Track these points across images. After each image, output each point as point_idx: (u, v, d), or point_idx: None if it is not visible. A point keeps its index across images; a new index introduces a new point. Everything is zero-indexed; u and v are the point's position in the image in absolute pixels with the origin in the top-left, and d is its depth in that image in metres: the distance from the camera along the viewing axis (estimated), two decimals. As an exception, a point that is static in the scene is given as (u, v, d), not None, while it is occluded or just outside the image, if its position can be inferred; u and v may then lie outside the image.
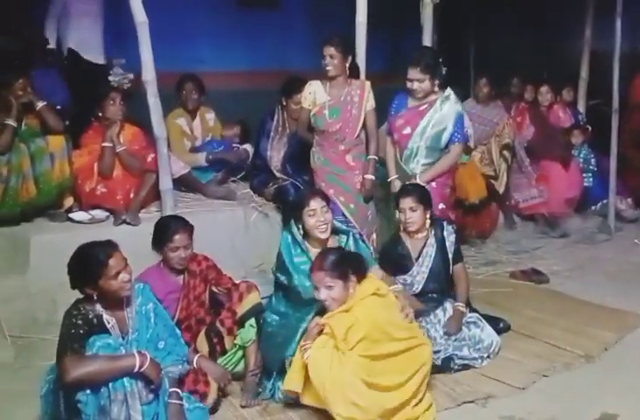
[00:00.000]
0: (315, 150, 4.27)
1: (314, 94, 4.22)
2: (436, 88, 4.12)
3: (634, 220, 6.16)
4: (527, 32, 7.60)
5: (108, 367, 2.44)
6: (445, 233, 3.71)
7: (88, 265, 2.57)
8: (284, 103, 4.88)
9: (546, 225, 5.91)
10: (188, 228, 3.29)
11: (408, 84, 4.09)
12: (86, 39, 5.22)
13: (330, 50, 4.08)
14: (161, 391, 2.59)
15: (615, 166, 5.84)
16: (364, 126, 4.21)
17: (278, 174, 4.82)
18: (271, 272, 3.58)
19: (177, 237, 3.21)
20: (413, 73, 4.04)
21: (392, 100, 4.30)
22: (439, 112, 4.10)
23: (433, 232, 3.71)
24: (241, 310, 3.20)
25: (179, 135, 4.89)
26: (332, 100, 4.18)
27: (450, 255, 3.70)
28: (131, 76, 5.24)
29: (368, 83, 4.24)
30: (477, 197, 5.45)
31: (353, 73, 4.25)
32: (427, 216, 3.68)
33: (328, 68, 4.11)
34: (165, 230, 3.25)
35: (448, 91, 4.13)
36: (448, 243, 3.70)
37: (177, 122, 4.93)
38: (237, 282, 3.39)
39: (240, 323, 3.20)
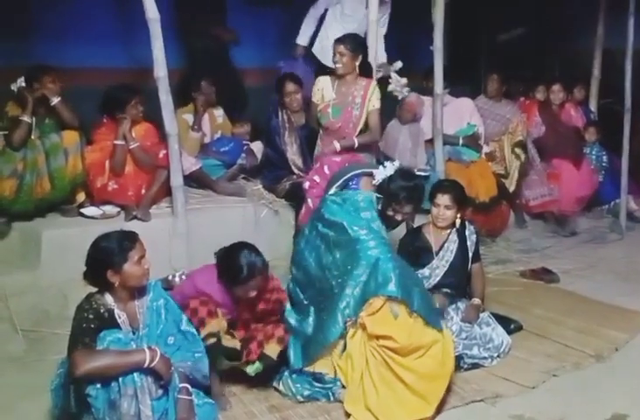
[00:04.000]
0: (318, 142, 4.36)
1: (322, 91, 4.27)
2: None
3: (646, 220, 6.14)
4: (540, 31, 7.57)
5: (119, 362, 2.45)
6: (467, 231, 3.76)
7: (115, 248, 2.59)
8: (281, 101, 4.90)
9: (556, 223, 5.90)
10: (265, 269, 3.02)
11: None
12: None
13: (339, 48, 4.12)
14: (171, 386, 2.59)
15: (627, 166, 5.81)
16: (367, 126, 4.22)
17: (296, 170, 4.84)
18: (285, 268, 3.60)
19: (252, 282, 2.97)
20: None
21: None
22: None
23: (455, 228, 3.76)
24: (266, 349, 3.09)
25: (185, 129, 4.89)
26: (337, 98, 4.24)
27: (470, 254, 3.75)
28: (405, 81, 5.10)
29: (374, 83, 4.26)
30: (488, 195, 5.43)
31: (365, 71, 4.25)
32: (459, 216, 3.72)
33: (337, 66, 4.15)
34: (240, 272, 2.94)
35: None
36: (469, 242, 3.75)
37: (184, 118, 4.92)
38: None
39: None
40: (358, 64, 4.18)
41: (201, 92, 5.04)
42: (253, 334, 3.16)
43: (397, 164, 3.51)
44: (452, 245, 3.73)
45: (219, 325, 2.97)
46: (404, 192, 3.37)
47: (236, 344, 3.11)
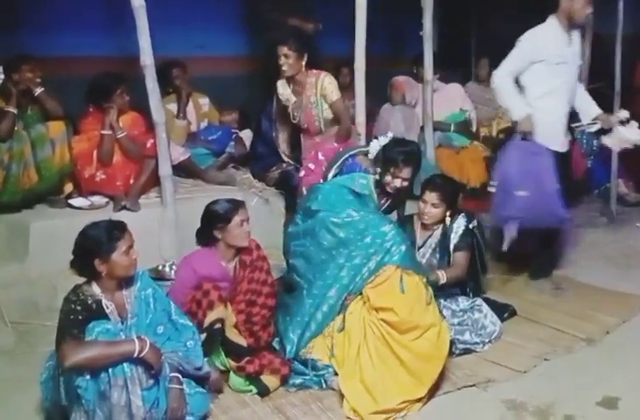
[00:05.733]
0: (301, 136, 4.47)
1: (284, 95, 4.38)
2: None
3: (636, 204, 6.14)
4: (529, 15, 7.51)
5: (108, 353, 2.43)
6: (455, 225, 3.64)
7: (104, 237, 2.57)
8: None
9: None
10: (244, 204, 3.26)
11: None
12: None
13: (283, 50, 4.13)
14: (161, 376, 2.58)
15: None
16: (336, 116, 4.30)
17: (286, 158, 4.83)
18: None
19: (241, 210, 3.16)
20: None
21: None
22: None
23: (444, 224, 3.66)
24: (267, 380, 3.07)
25: (170, 119, 4.85)
26: (296, 102, 4.32)
27: (452, 246, 3.63)
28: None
29: (322, 77, 4.26)
30: (479, 181, 5.42)
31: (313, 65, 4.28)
32: (448, 214, 3.64)
33: (284, 68, 4.17)
34: (226, 208, 3.15)
35: None
36: (452, 235, 3.63)
37: (168, 108, 4.86)
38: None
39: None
40: (304, 63, 4.19)
41: (177, 78, 4.99)
42: (263, 355, 3.13)
43: (390, 135, 3.52)
44: (435, 241, 3.66)
45: (226, 313, 3.02)
46: (402, 156, 3.37)
47: (242, 341, 3.11)
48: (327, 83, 4.21)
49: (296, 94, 4.31)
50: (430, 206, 3.59)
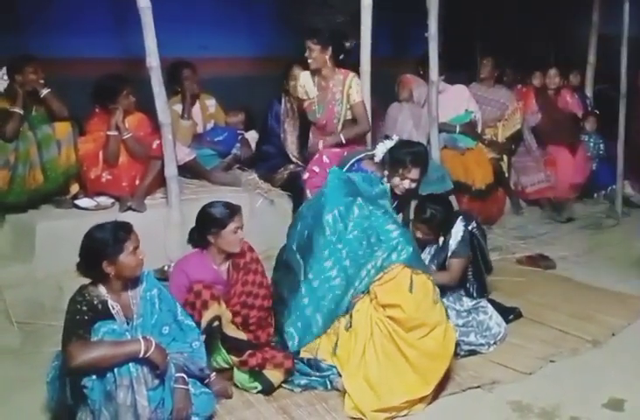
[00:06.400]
0: (310, 134, 4.45)
1: (304, 87, 4.36)
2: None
3: (642, 205, 6.13)
4: (534, 17, 7.52)
5: (113, 353, 2.44)
6: (453, 230, 3.57)
7: (110, 239, 2.58)
8: (286, 87, 4.89)
9: (553, 209, 5.90)
10: (240, 209, 3.22)
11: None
12: None
13: (308, 43, 4.16)
14: (167, 376, 2.59)
15: (623, 151, 5.80)
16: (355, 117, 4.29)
17: (294, 159, 4.83)
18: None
19: (237, 217, 3.14)
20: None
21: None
22: None
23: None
24: (271, 375, 3.05)
25: (176, 120, 4.85)
26: (319, 95, 4.30)
27: (449, 253, 3.57)
28: None
29: (350, 76, 4.27)
30: (484, 183, 5.42)
31: (345, 61, 4.27)
32: (440, 234, 3.58)
33: (309, 61, 4.19)
34: (223, 214, 3.12)
35: None
36: (451, 241, 3.57)
37: (175, 109, 4.84)
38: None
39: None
40: (328, 57, 4.20)
41: (186, 79, 4.99)
42: (264, 350, 3.12)
43: (396, 138, 3.52)
44: (433, 248, 3.62)
45: (221, 310, 3.02)
46: (409, 157, 3.37)
47: (241, 335, 3.11)
48: (355, 84, 4.24)
49: (320, 89, 4.31)
50: (421, 232, 3.56)
